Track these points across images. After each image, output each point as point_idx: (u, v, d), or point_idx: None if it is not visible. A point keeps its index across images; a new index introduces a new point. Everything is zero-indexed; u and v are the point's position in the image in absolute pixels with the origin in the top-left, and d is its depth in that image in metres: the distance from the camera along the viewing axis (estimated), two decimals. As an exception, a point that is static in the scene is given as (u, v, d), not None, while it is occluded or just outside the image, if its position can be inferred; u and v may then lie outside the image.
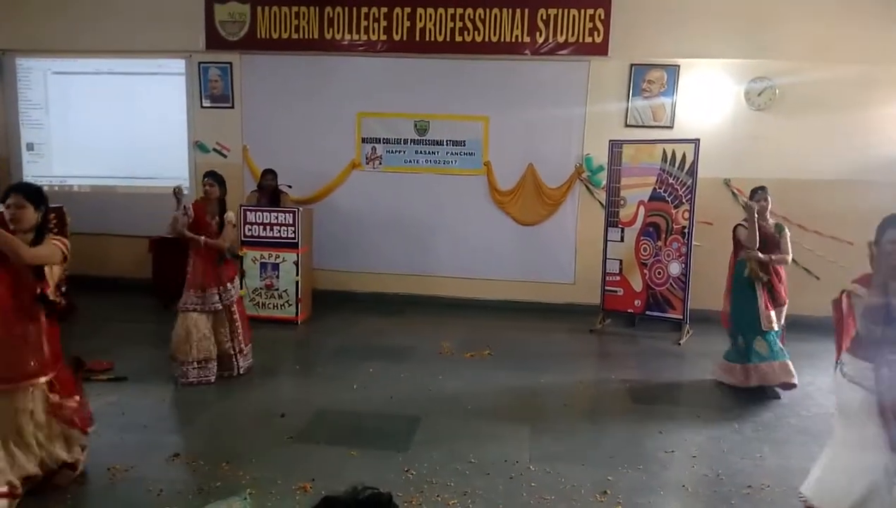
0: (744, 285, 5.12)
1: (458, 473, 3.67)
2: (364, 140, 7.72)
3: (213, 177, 5.07)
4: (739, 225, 5.18)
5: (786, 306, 5.19)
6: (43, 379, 3.29)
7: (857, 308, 2.79)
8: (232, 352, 5.11)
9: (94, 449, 3.72)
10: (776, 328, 5.09)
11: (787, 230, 5.15)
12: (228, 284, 5.12)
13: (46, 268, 3.29)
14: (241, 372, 5.16)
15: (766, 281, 5.04)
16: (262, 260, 6.69)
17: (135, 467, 3.63)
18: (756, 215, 4.94)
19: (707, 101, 7.16)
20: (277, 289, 6.70)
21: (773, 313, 5.06)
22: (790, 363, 5.06)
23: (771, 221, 5.16)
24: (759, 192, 5.09)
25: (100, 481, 3.49)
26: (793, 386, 5.03)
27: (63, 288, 3.33)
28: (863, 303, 2.76)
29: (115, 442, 3.88)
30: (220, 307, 5.04)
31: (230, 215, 5.09)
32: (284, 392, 5.03)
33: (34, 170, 8.23)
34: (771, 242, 5.05)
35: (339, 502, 0.96)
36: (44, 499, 3.27)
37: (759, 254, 4.99)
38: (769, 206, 5.10)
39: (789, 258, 5.11)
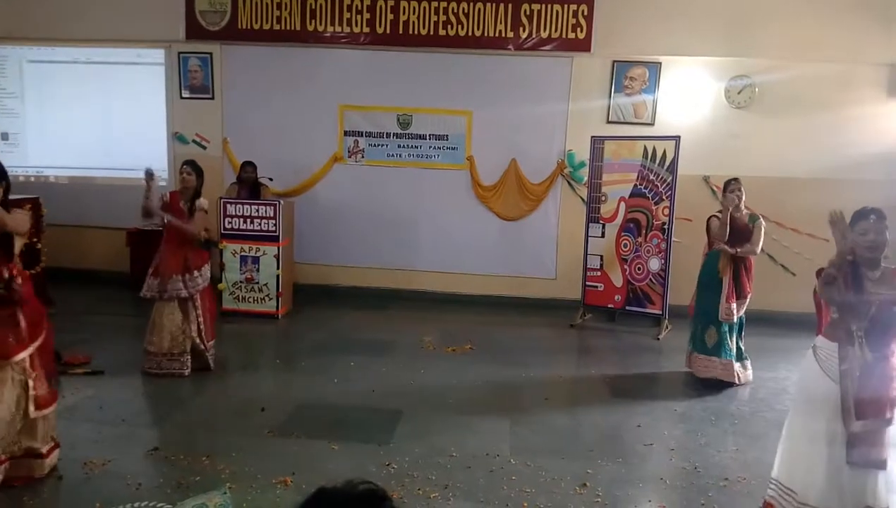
0: (711, 275, 5.20)
1: (440, 466, 3.68)
2: (346, 133, 7.69)
3: (192, 166, 5.02)
4: (713, 216, 5.24)
5: (748, 299, 5.25)
6: (20, 356, 3.24)
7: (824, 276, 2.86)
8: (202, 348, 5.02)
9: (71, 443, 3.69)
10: (734, 320, 5.17)
11: (761, 221, 5.19)
12: (195, 271, 4.95)
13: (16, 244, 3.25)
14: (213, 366, 5.10)
15: (732, 271, 5.11)
16: (243, 254, 6.63)
17: (113, 461, 3.58)
18: (729, 209, 5.00)
19: (688, 99, 7.23)
20: (258, 283, 6.65)
21: (734, 305, 5.14)
22: (735, 364, 5.18)
23: (745, 212, 5.21)
24: (732, 183, 5.12)
25: (76, 475, 3.45)
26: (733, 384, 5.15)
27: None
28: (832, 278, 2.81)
29: (93, 436, 3.83)
30: (185, 295, 4.91)
31: (202, 201, 4.99)
32: (265, 386, 5.00)
33: (9, 161, 7.81)
34: (743, 234, 5.12)
35: (335, 494, 0.95)
36: (17, 494, 3.22)
37: (727, 247, 5.07)
38: (743, 197, 5.14)
39: (757, 249, 5.15)
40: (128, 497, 3.21)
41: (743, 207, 5.17)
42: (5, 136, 8.10)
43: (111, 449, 3.70)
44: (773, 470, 3.13)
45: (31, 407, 3.28)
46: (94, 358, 5.14)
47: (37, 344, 3.32)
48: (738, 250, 5.11)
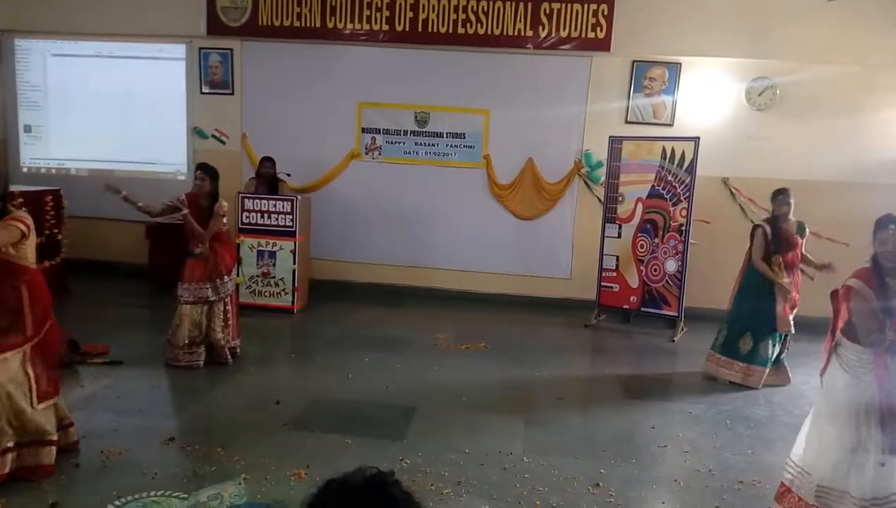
0: (760, 284, 5.14)
1: (453, 463, 3.69)
2: (364, 130, 7.71)
3: (205, 171, 5.02)
4: (759, 226, 5.20)
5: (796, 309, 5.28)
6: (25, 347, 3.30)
7: (854, 299, 2.87)
8: (223, 343, 5.10)
9: (88, 432, 3.74)
10: (793, 330, 5.16)
11: (807, 231, 5.21)
12: (226, 276, 5.11)
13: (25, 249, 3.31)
14: (231, 363, 5.16)
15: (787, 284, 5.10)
16: (259, 248, 6.68)
17: (129, 450, 3.63)
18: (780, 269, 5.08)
19: (708, 100, 7.17)
20: (274, 277, 6.69)
21: (791, 317, 5.12)
22: (767, 369, 5.20)
23: (793, 220, 5.18)
24: (781, 195, 5.13)
25: (93, 463, 3.49)
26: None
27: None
28: (860, 295, 2.84)
29: (110, 425, 3.88)
30: (214, 298, 5.03)
31: (221, 205, 5.03)
32: (280, 379, 5.03)
33: (32, 153, 8.20)
34: (791, 243, 5.10)
35: (343, 483, 0.96)
36: (33, 482, 3.27)
37: (777, 279, 5.08)
38: (792, 207, 5.11)
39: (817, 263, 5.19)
40: (144, 486, 3.25)
41: (791, 217, 5.14)
42: (28, 129, 8.22)
43: (128, 439, 3.75)
44: (791, 450, 3.17)
45: (35, 400, 3.31)
46: (112, 349, 5.20)
47: (37, 338, 3.34)
48: (783, 286, 5.11)
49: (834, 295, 3.15)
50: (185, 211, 4.93)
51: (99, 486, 3.27)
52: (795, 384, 5.33)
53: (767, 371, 5.20)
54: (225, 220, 5.13)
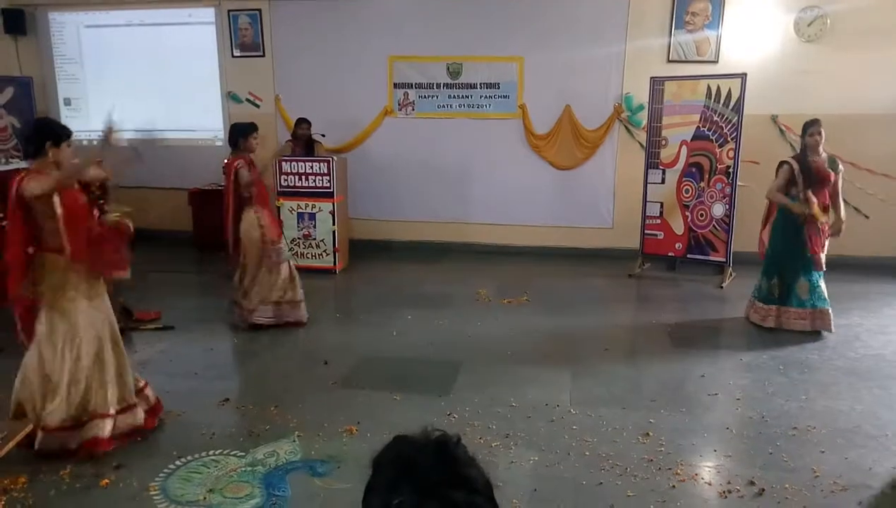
0: (790, 222, 4.94)
1: (500, 416, 3.71)
2: (396, 85, 7.59)
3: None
4: (786, 162, 4.97)
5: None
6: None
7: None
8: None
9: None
10: (823, 268, 4.95)
11: (840, 166, 4.93)
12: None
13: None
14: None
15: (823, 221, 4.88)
16: (299, 211, 6.72)
17: (186, 413, 3.75)
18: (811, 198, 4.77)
19: (754, 33, 6.80)
20: (314, 239, 6.74)
21: (823, 255, 4.91)
22: (830, 309, 4.96)
23: (824, 155, 4.93)
24: (811, 126, 4.87)
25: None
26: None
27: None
28: None
29: (166, 389, 4.00)
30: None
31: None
32: (327, 339, 5.10)
33: (74, 125, 8.00)
34: (822, 178, 4.86)
35: (411, 442, 1.01)
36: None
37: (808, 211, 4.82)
38: (822, 140, 4.87)
39: (843, 215, 4.95)
40: (202, 446, 3.36)
41: (822, 150, 4.90)
42: (68, 102, 8.36)
43: (184, 401, 3.87)
44: None
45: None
46: (163, 315, 5.34)
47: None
48: (830, 230, 4.90)
49: None
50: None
51: (160, 447, 3.41)
52: (850, 325, 5.17)
53: (805, 313, 4.97)
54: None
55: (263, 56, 7.75)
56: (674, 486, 3.06)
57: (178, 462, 3.21)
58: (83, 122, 8.32)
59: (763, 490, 3.02)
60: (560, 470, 3.18)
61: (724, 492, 3.01)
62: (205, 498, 2.94)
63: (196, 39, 7.89)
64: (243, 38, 7.75)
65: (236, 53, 7.80)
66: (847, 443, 3.43)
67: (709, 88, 6.33)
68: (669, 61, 6.98)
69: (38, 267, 3.22)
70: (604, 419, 3.68)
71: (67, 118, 8.35)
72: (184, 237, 7.72)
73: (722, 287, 6.32)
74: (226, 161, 5.10)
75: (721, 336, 5.29)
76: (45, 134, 3.27)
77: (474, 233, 7.72)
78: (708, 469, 3.22)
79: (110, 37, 8.11)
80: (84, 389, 3.27)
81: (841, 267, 6.10)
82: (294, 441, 3.40)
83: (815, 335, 4.97)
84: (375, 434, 3.45)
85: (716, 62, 6.89)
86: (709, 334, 5.26)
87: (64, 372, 3.22)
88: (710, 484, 3.09)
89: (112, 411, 3.32)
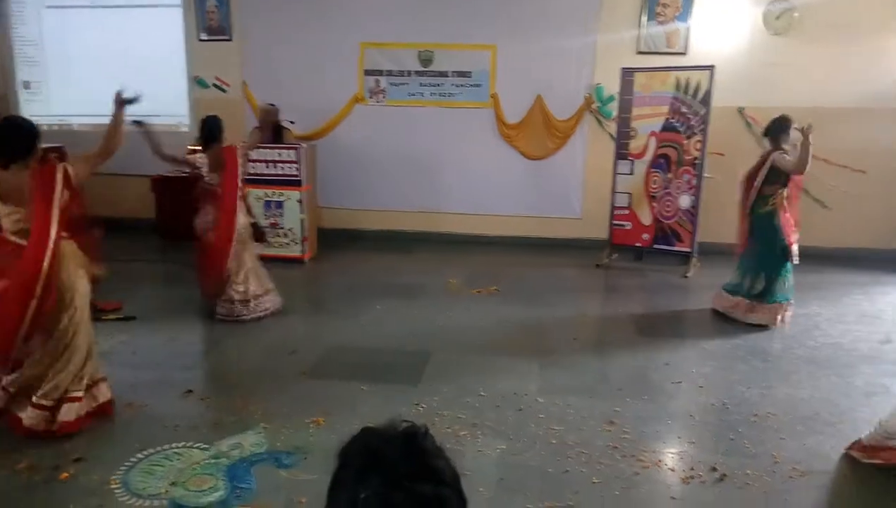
0: (764, 222, 5.00)
1: (468, 406, 3.71)
2: (367, 72, 7.51)
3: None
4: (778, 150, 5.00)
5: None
6: None
7: None
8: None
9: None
10: (797, 260, 5.04)
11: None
12: None
13: None
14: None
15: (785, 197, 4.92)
16: (266, 199, 6.62)
17: (149, 404, 3.68)
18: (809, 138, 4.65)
19: (723, 26, 6.88)
20: (282, 228, 6.65)
21: (796, 246, 5.00)
22: (792, 303, 5.07)
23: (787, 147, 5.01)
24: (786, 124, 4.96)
25: (115, 417, 3.54)
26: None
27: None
28: None
29: (129, 380, 3.92)
30: None
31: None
32: (294, 329, 5.05)
33: (32, 109, 8.07)
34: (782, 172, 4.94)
35: (378, 433, 1.00)
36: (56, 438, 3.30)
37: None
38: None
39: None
40: (165, 438, 3.30)
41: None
42: (27, 85, 8.09)
43: (147, 393, 3.80)
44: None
45: None
46: (125, 304, 5.23)
47: None
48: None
49: None
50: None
51: (122, 439, 3.33)
52: (809, 315, 5.29)
53: (779, 307, 5.05)
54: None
55: (231, 40, 7.59)
56: (637, 473, 3.10)
57: (139, 455, 3.15)
58: (43, 107, 8.08)
59: (724, 475, 3.08)
60: (526, 459, 3.21)
61: (686, 478, 3.07)
62: (167, 491, 2.89)
63: (162, 22, 7.68)
64: (210, 22, 7.58)
65: (203, 37, 7.63)
66: (806, 430, 3.52)
67: (678, 80, 6.38)
68: (639, 52, 7.02)
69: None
70: (571, 407, 3.71)
71: (26, 101, 8.10)
72: (146, 225, 7.55)
73: (687, 276, 6.41)
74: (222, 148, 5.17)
75: (685, 325, 5.37)
76: None
77: (445, 223, 7.71)
78: (671, 456, 3.27)
79: (72, 18, 7.85)
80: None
81: (801, 257, 6.25)
82: (259, 432, 3.36)
83: (777, 325, 5.08)
84: (343, 425, 3.42)
85: (685, 54, 6.95)
86: (673, 323, 5.34)
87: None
88: (672, 470, 3.14)
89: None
